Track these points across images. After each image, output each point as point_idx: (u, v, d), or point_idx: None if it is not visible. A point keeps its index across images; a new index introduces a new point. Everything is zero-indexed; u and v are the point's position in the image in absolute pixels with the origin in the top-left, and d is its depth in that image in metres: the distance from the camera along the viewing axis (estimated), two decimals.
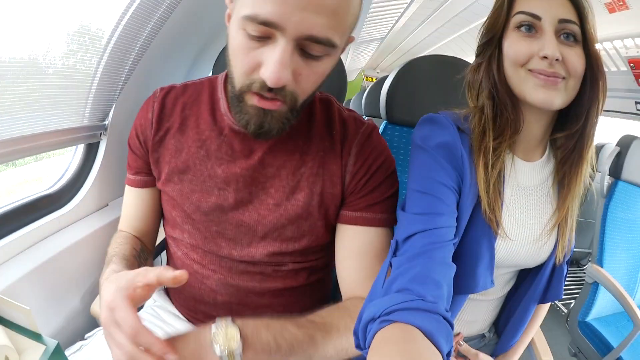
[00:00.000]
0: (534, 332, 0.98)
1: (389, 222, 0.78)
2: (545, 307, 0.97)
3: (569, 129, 0.74)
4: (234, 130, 0.74)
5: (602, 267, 1.66)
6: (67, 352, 0.79)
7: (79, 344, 0.82)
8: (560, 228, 0.79)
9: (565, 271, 0.87)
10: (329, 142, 0.77)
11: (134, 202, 0.84)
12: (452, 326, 0.55)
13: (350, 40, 0.66)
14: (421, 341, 0.49)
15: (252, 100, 0.61)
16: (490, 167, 0.72)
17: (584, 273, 1.69)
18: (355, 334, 0.58)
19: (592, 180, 0.83)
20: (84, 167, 1.08)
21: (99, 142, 1.09)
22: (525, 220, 0.78)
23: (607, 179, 1.75)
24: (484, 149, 0.72)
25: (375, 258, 0.75)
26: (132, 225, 0.85)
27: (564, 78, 0.68)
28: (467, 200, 0.72)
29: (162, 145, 0.78)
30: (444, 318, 0.54)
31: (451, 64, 1.25)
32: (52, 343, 0.58)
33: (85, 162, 1.08)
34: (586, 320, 1.71)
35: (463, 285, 0.74)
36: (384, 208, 0.77)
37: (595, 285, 1.69)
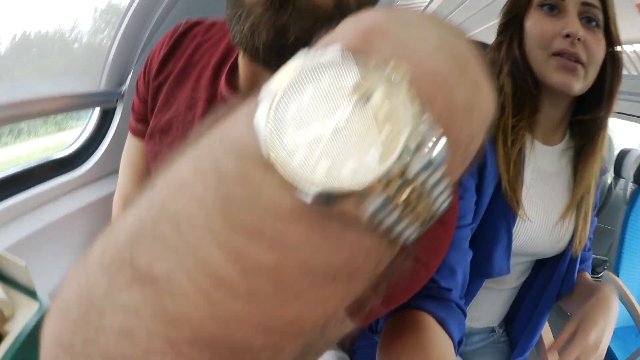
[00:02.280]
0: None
1: None
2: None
3: (589, 114, 0.75)
4: (225, 100, 0.56)
5: (617, 276, 1.60)
6: None
7: None
8: (577, 217, 0.79)
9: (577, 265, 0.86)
10: None
11: (133, 155, 0.71)
12: (464, 314, 0.54)
13: None
14: (433, 328, 0.47)
15: None
16: (509, 144, 0.71)
17: (599, 280, 1.63)
18: None
19: (615, 186, 0.85)
20: (99, 132, 1.05)
21: (115, 108, 1.07)
22: (545, 205, 0.77)
23: (631, 186, 1.67)
24: (503, 126, 0.71)
25: None
26: (131, 186, 0.73)
27: (583, 65, 0.68)
28: (487, 183, 0.70)
29: (159, 92, 0.61)
30: (457, 306, 0.53)
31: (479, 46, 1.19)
32: (48, 301, 0.55)
33: (101, 127, 1.05)
34: None
35: (479, 269, 0.72)
36: None
37: None
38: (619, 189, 1.80)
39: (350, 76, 0.14)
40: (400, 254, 0.18)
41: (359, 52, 0.15)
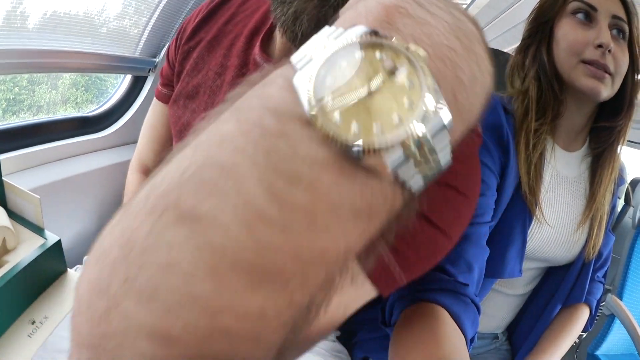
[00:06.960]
0: (569, 341, 0.84)
1: None
2: (584, 314, 0.85)
3: (609, 121, 0.73)
4: (257, 66, 0.52)
5: (621, 300, 1.52)
6: None
7: (75, 267, 0.74)
8: (592, 223, 0.76)
9: (590, 274, 0.81)
10: None
11: (156, 119, 0.69)
12: (479, 311, 0.50)
13: None
14: (447, 323, 0.45)
15: None
16: (531, 147, 0.69)
17: (601, 309, 1.56)
18: (382, 310, 0.53)
19: (624, 214, 0.81)
20: (128, 98, 1.02)
21: (146, 77, 1.03)
22: (562, 210, 0.74)
23: None
24: (526, 129, 0.69)
25: None
26: (148, 148, 0.71)
27: (610, 75, 0.67)
28: (508, 183, 0.67)
29: (188, 57, 0.59)
30: (472, 302, 0.49)
31: (494, 55, 1.16)
32: (54, 238, 0.51)
33: (130, 94, 1.02)
34: (595, 353, 1.57)
35: (490, 268, 0.67)
36: None
37: (611, 318, 1.55)
38: (627, 217, 1.73)
39: (377, 54, 0.16)
40: (409, 204, 0.18)
41: (384, 29, 0.17)
